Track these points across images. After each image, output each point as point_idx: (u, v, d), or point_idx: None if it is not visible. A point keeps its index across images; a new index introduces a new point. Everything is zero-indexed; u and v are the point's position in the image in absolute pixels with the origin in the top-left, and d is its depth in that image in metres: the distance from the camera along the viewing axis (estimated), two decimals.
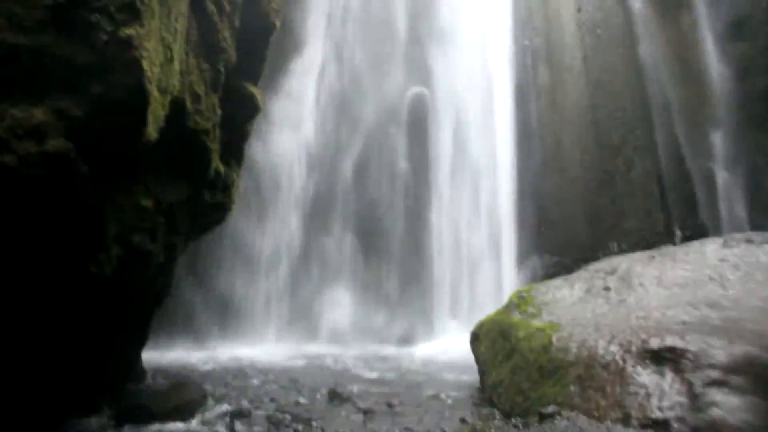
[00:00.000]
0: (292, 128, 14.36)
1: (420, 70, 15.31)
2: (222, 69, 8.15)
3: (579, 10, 16.23)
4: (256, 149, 13.59)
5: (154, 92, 5.71)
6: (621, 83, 15.55)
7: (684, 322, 6.48)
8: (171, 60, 6.36)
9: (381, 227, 14.62)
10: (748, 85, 14.65)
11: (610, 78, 15.59)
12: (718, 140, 14.68)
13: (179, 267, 9.40)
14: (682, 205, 14.48)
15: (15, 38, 5.40)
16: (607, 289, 8.37)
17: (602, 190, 14.89)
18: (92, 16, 5.52)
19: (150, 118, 5.65)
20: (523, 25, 16.07)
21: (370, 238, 14.63)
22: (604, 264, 10.07)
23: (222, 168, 8.57)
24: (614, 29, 16.00)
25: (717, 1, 15.09)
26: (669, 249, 11.02)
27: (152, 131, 5.80)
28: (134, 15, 5.51)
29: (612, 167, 14.96)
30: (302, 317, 13.88)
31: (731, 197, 14.18)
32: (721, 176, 14.40)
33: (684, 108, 15.13)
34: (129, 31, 5.45)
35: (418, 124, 15.06)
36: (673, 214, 14.47)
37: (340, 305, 14.02)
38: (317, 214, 14.62)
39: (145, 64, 5.44)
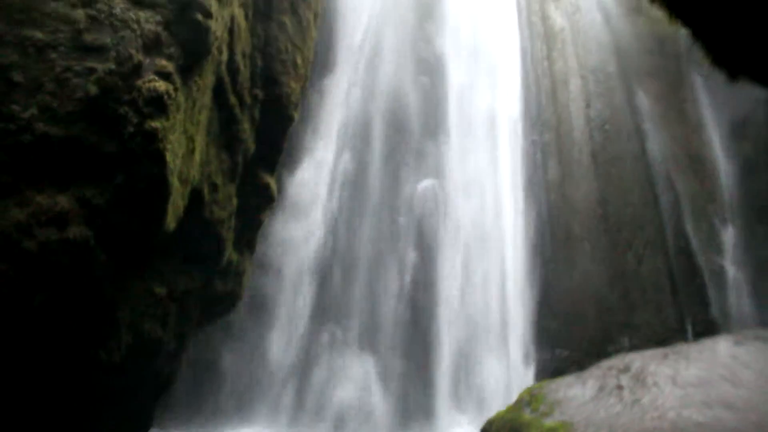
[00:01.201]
0: (302, 215, 14.52)
1: (431, 162, 15.59)
2: (240, 159, 8.37)
3: (588, 106, 16.65)
4: (267, 233, 13.69)
5: (175, 183, 5.87)
6: (630, 178, 15.74)
7: (699, 423, 6.36)
8: (192, 151, 6.57)
9: (387, 317, 14.51)
10: (753, 181, 14.82)
11: (619, 173, 15.80)
12: (727, 235, 14.72)
13: (190, 351, 9.33)
14: (693, 300, 14.35)
15: (47, 128, 5.63)
16: (620, 387, 8.24)
17: (613, 284, 14.81)
18: (121, 109, 5.77)
19: (169, 209, 5.78)
20: (533, 120, 16.45)
21: (376, 327, 14.49)
22: (616, 361, 9.94)
23: (235, 257, 8.66)
24: (622, 125, 16.34)
25: (720, 101, 15.47)
26: (682, 347, 10.90)
27: (171, 221, 5.93)
28: (161, 109, 5.75)
29: (622, 261, 14.94)
30: (307, 404, 13.61)
31: (740, 292, 14.09)
32: (731, 271, 14.35)
33: (693, 203, 15.25)
34: (155, 123, 5.67)
35: (428, 216, 15.20)
36: (685, 310, 14.32)
37: (344, 394, 13.77)
38: (324, 300, 14.57)
39: (168, 157, 5.62)
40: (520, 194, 15.54)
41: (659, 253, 14.97)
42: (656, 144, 16.12)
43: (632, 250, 15.12)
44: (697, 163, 15.70)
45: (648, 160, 16.03)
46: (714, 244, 14.77)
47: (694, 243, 14.83)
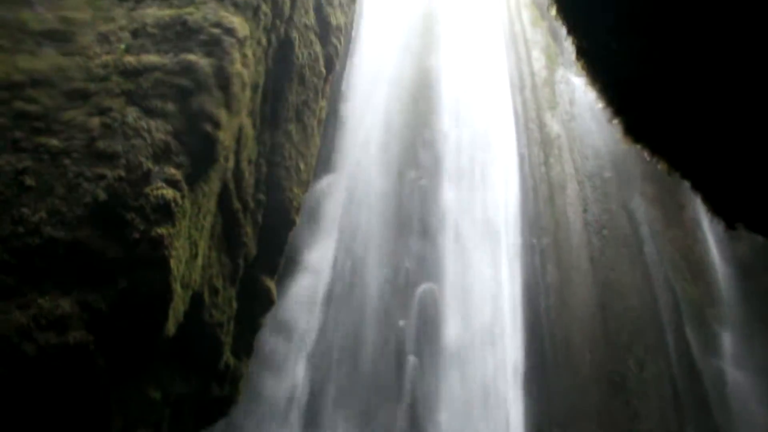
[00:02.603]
0: (300, 320, 14.44)
1: (430, 265, 15.65)
2: (241, 263, 8.47)
3: (585, 211, 16.91)
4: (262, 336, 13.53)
5: (178, 289, 5.94)
6: (628, 282, 15.80)
7: None
8: (195, 256, 6.67)
9: (386, 422, 14.16)
10: (751, 284, 14.87)
11: (618, 277, 15.87)
12: (726, 339, 14.65)
13: None
14: (695, 406, 14.15)
15: (54, 231, 5.75)
16: None
17: (614, 390, 14.58)
18: (128, 215, 5.91)
19: (171, 314, 5.83)
20: (531, 224, 16.67)
21: None
22: None
23: (232, 361, 8.60)
24: (620, 230, 16.56)
25: None
26: None
27: (171, 326, 5.95)
28: (168, 216, 5.89)
29: (623, 367, 14.78)
30: None
31: (742, 397, 13.88)
32: (732, 375, 14.19)
33: (692, 307, 15.25)
34: (161, 230, 5.80)
35: (427, 319, 15.11)
36: (687, 416, 14.09)
37: None
38: (319, 405, 14.27)
39: (172, 263, 5.72)
40: (518, 299, 15.54)
41: (660, 358, 14.85)
42: (654, 247, 16.28)
43: (633, 356, 15.00)
44: (695, 266, 15.82)
45: (646, 263, 16.14)
46: (714, 349, 14.70)
47: (695, 347, 14.75)
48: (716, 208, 4.31)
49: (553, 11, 4.34)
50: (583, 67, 4.28)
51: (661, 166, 4.31)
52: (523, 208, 16.93)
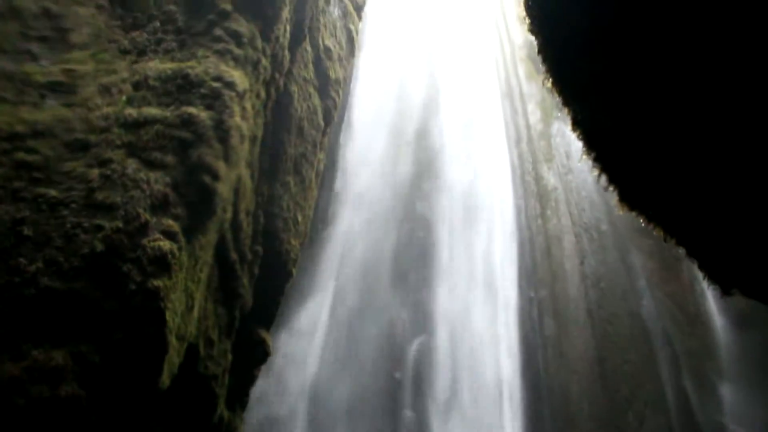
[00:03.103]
0: (296, 370, 14.29)
1: (427, 316, 15.57)
2: (237, 314, 8.42)
3: (582, 263, 16.93)
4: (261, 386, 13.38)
5: (173, 342, 5.89)
6: (627, 335, 15.73)
7: None
8: (191, 308, 6.63)
9: None
10: (748, 336, 14.81)
11: (616, 330, 15.79)
12: (726, 392, 14.53)
13: None
14: None
15: (50, 282, 5.73)
16: None
17: None
18: (125, 266, 5.89)
19: (165, 367, 5.76)
20: (528, 276, 16.68)
21: None
22: None
23: (226, 414, 8.47)
24: (617, 282, 16.55)
25: None
26: None
27: (166, 379, 5.88)
28: (164, 268, 5.88)
29: (623, 422, 14.60)
30: None
31: None
32: (731, 429, 14.04)
33: (690, 360, 15.16)
34: (157, 282, 5.78)
35: (422, 371, 14.96)
36: None
37: None
38: None
39: (168, 315, 5.68)
40: (516, 351, 15.43)
41: (660, 412, 14.71)
42: (651, 300, 16.26)
43: (632, 409, 14.84)
44: (692, 318, 15.79)
45: (644, 316, 16.09)
46: (713, 402, 14.57)
47: (694, 400, 14.64)
48: (712, 275, 4.36)
49: (549, 84, 4.44)
50: (578, 137, 4.37)
51: (657, 233, 4.37)
52: (519, 260, 16.95)
